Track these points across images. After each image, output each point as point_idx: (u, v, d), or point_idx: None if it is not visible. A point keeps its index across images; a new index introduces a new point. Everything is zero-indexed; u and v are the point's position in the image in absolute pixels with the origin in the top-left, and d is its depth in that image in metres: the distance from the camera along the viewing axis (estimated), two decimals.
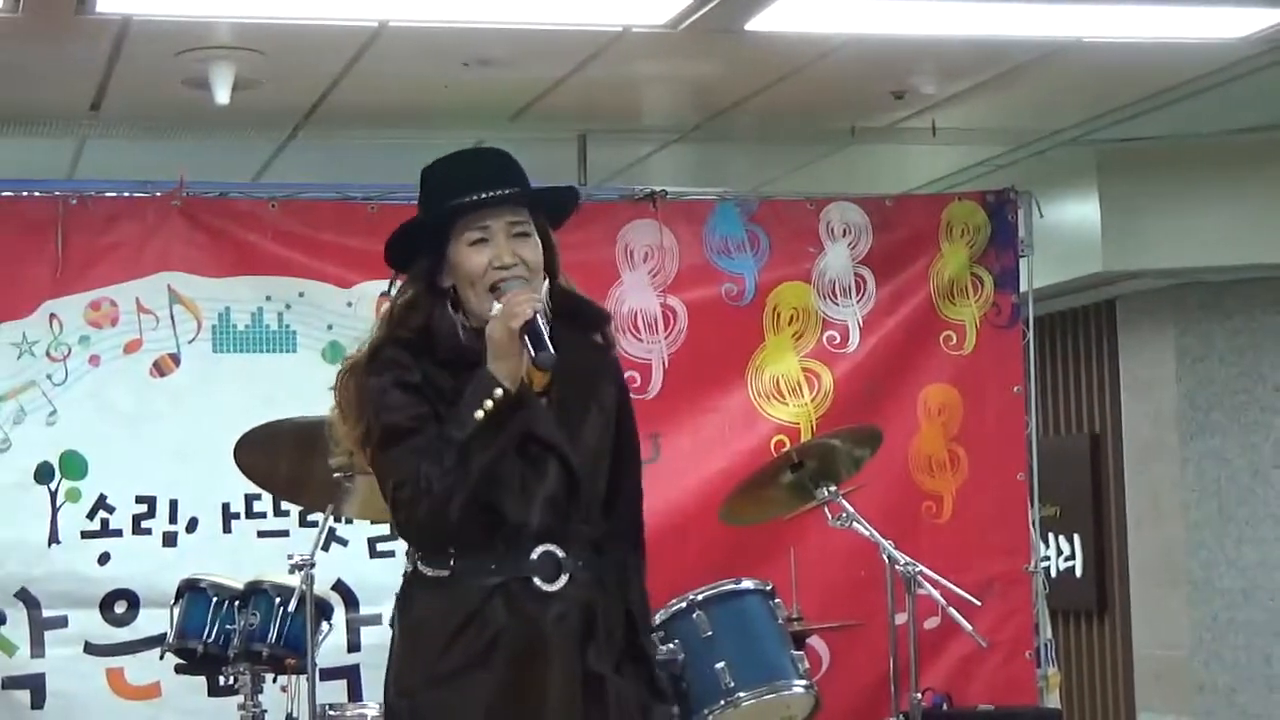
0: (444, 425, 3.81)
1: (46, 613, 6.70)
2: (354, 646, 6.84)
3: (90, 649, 6.74)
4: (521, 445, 3.85)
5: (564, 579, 3.87)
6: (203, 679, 6.56)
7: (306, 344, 6.98)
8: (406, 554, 3.98)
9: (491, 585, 3.85)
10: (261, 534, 6.86)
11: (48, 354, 6.79)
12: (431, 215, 3.96)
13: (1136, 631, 9.41)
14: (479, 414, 3.77)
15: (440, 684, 3.87)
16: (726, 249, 7.40)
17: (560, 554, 3.87)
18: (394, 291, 4.02)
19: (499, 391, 3.78)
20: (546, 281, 3.95)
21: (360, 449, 3.94)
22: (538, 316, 3.79)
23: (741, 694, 5.48)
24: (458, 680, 3.85)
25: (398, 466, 3.84)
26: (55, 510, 6.75)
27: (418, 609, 3.95)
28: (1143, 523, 9.37)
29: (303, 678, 5.89)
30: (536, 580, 3.86)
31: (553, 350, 3.75)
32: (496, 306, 3.85)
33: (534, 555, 3.86)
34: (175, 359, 6.90)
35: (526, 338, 3.76)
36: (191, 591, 6.21)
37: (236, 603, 6.11)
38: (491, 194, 3.90)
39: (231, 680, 6.11)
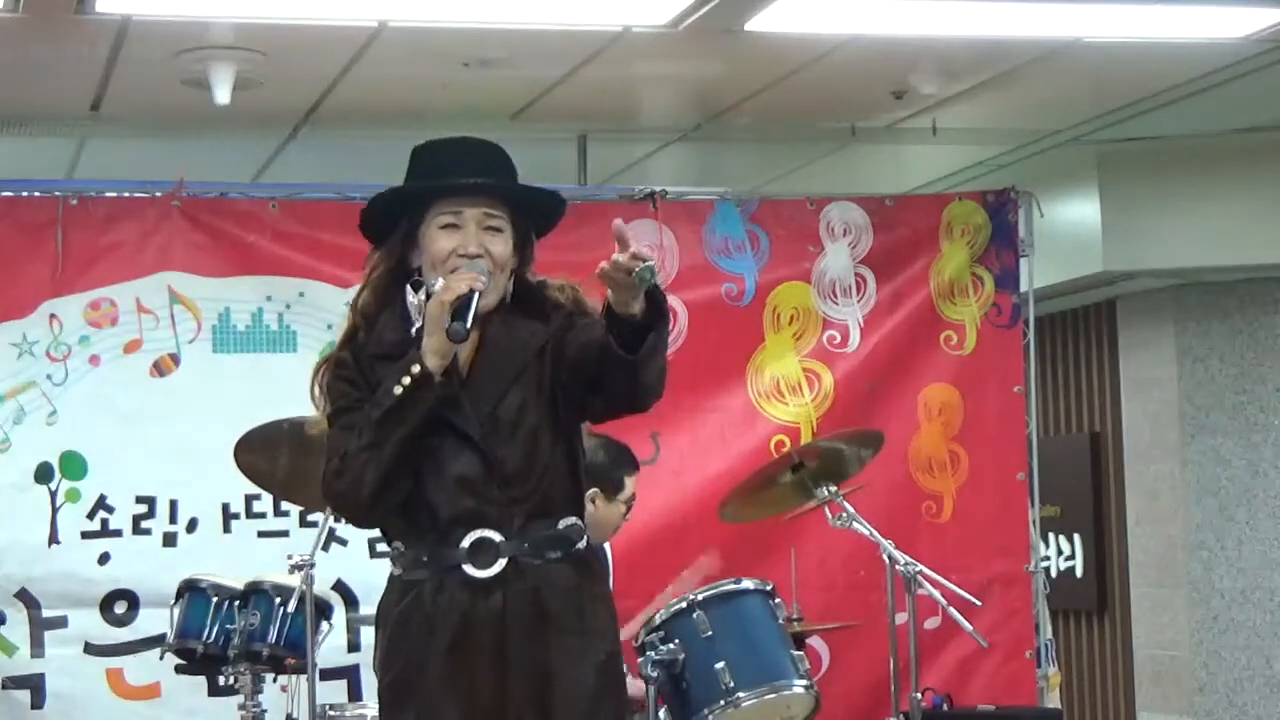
0: (370, 404, 3.82)
1: (46, 613, 6.71)
2: (354, 646, 6.84)
3: (90, 649, 6.75)
4: (439, 427, 3.81)
5: (500, 564, 3.80)
6: (203, 679, 6.57)
7: (307, 344, 6.97)
8: None
9: (422, 577, 3.84)
10: (261, 534, 6.87)
11: (48, 354, 6.80)
12: (409, 191, 3.96)
13: (1136, 631, 9.40)
14: (397, 390, 3.78)
15: (391, 684, 3.86)
16: (726, 249, 7.39)
17: (496, 538, 3.80)
18: (368, 265, 4.04)
19: (416, 368, 3.77)
20: (505, 272, 3.91)
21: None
22: (475, 295, 3.77)
23: (741, 694, 5.45)
24: (404, 677, 3.83)
25: (330, 442, 3.88)
26: (55, 510, 6.75)
27: (379, 606, 3.97)
28: (1143, 523, 9.36)
29: (303, 678, 5.89)
30: (467, 568, 3.80)
31: (468, 327, 3.73)
32: (439, 283, 3.84)
33: (464, 543, 3.80)
34: (175, 359, 6.90)
35: (452, 312, 3.76)
36: (191, 591, 6.21)
37: (236, 603, 6.10)
38: (471, 181, 3.90)
39: (231, 680, 6.11)
